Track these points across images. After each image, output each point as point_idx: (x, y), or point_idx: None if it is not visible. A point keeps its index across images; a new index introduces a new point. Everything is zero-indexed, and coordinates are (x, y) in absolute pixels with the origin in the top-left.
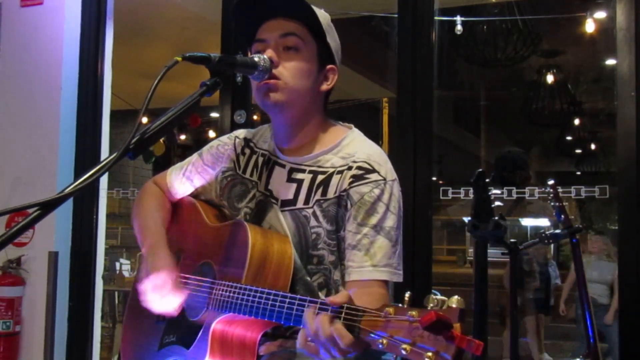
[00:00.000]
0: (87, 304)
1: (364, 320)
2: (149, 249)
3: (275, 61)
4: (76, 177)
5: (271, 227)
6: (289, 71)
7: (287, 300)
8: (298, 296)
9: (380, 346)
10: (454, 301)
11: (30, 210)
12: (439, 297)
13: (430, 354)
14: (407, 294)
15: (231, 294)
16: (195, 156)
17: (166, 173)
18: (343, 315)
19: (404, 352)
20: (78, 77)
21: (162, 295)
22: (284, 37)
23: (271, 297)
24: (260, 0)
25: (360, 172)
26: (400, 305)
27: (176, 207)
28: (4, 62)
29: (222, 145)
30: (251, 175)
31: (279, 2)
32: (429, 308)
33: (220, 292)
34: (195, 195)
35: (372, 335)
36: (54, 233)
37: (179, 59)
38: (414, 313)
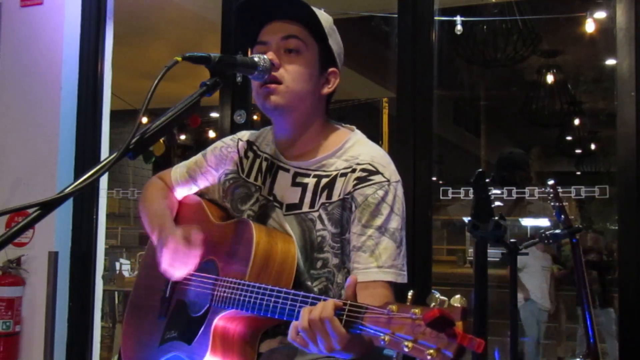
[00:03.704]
0: (87, 304)
1: (367, 317)
2: (158, 231)
3: (277, 64)
4: (76, 177)
5: (275, 229)
6: (290, 74)
7: (290, 297)
8: (301, 293)
9: (383, 342)
10: (457, 300)
11: (30, 210)
12: (442, 297)
13: (432, 351)
14: (410, 292)
15: (234, 291)
16: (199, 156)
17: (170, 171)
18: (346, 312)
19: (406, 348)
20: (78, 77)
21: (183, 256)
22: (285, 40)
23: (274, 293)
24: (262, 3)
25: (364, 174)
26: (403, 303)
27: (181, 205)
28: (4, 62)
29: (225, 147)
30: (255, 179)
31: (280, 4)
32: (431, 306)
33: (223, 288)
34: (199, 194)
35: (375, 331)
36: (54, 233)
37: (179, 59)
38: (416, 311)
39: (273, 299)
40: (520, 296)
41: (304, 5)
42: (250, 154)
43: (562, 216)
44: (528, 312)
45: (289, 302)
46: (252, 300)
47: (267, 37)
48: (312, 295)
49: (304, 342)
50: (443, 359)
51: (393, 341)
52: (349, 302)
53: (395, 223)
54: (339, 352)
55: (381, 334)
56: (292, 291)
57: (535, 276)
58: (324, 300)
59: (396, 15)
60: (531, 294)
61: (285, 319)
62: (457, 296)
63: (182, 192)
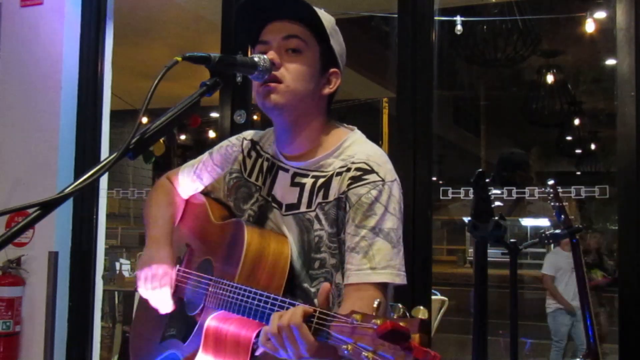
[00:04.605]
0: (87, 304)
1: (333, 326)
2: (151, 240)
3: (277, 63)
4: (76, 177)
5: (272, 230)
6: (291, 74)
7: (270, 300)
8: (280, 298)
9: (346, 352)
10: (418, 312)
11: (30, 210)
12: (428, 308)
13: None
14: (376, 302)
15: (224, 292)
16: (206, 155)
17: (179, 170)
18: (315, 319)
19: (365, 359)
20: (78, 77)
21: (152, 287)
22: (286, 40)
23: (257, 296)
24: (264, 2)
25: (359, 173)
26: (367, 313)
27: (187, 204)
28: (4, 62)
29: (230, 146)
30: (256, 179)
31: (282, 4)
32: (395, 317)
33: (215, 289)
34: (205, 193)
35: (339, 340)
36: (54, 233)
37: (179, 59)
38: (377, 321)
39: (255, 302)
40: (552, 303)
41: (305, 5)
42: (254, 154)
43: (562, 216)
44: (558, 323)
45: (268, 306)
46: (237, 302)
47: (268, 36)
48: (288, 300)
49: (273, 348)
50: None
51: (355, 351)
52: (318, 309)
53: (391, 223)
54: (308, 359)
55: (344, 344)
56: (272, 295)
57: (564, 279)
58: (297, 305)
59: (396, 15)
60: (565, 297)
61: (264, 322)
62: (421, 308)
63: (189, 191)
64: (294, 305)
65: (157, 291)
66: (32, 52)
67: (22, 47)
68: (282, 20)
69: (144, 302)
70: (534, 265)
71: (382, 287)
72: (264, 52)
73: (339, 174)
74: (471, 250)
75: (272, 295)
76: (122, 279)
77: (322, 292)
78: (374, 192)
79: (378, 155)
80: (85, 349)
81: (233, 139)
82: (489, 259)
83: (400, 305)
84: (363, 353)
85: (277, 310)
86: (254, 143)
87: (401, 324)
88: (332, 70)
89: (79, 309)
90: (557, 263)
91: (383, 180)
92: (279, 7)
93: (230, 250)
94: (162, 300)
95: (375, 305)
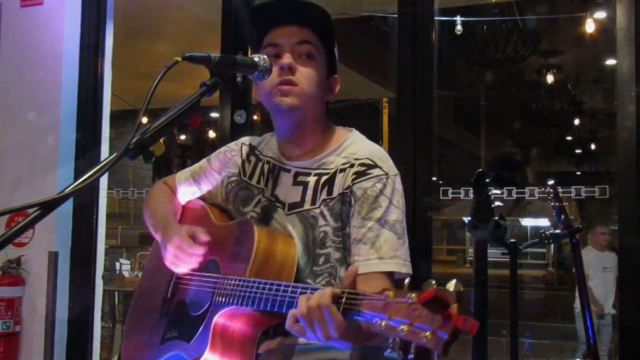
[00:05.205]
0: (87, 304)
1: (363, 304)
2: (164, 232)
3: (293, 67)
4: (76, 177)
5: (276, 230)
6: (305, 78)
7: (290, 288)
8: (301, 284)
9: (379, 328)
10: (452, 285)
11: (30, 210)
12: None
13: (427, 333)
14: (407, 280)
15: (234, 288)
16: (203, 161)
17: (175, 176)
18: (344, 299)
19: (401, 332)
20: (78, 77)
21: (186, 252)
22: (300, 44)
23: (274, 287)
24: (282, 6)
25: (363, 168)
26: (399, 289)
27: (185, 209)
28: (4, 62)
29: (229, 151)
30: (258, 182)
31: (300, 9)
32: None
33: (223, 286)
34: (202, 199)
35: (371, 317)
36: (54, 233)
37: (179, 59)
38: (412, 295)
39: (273, 292)
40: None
41: (323, 13)
42: (253, 158)
43: (562, 216)
44: (581, 325)
45: (288, 294)
46: (251, 294)
47: (279, 39)
48: (310, 286)
49: (301, 330)
50: (438, 341)
51: (389, 326)
52: (346, 290)
53: (395, 215)
54: (336, 340)
55: (378, 319)
56: (292, 283)
57: (595, 278)
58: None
59: (396, 15)
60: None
61: (284, 310)
62: (453, 281)
63: (185, 196)
64: (316, 290)
65: (187, 257)
66: (32, 52)
67: (22, 47)
68: (291, 25)
69: (136, 307)
70: (534, 265)
71: (390, 276)
72: (277, 55)
73: (343, 170)
74: (471, 250)
75: (291, 284)
76: (122, 279)
77: (349, 275)
78: (379, 185)
79: (379, 151)
80: (85, 349)
81: (231, 145)
82: (489, 259)
83: (432, 281)
84: (399, 326)
85: (299, 297)
86: (252, 147)
87: (439, 290)
88: (334, 76)
89: (79, 309)
90: (589, 261)
91: (387, 174)
92: (296, 11)
93: (238, 249)
94: (195, 260)
95: (406, 283)
